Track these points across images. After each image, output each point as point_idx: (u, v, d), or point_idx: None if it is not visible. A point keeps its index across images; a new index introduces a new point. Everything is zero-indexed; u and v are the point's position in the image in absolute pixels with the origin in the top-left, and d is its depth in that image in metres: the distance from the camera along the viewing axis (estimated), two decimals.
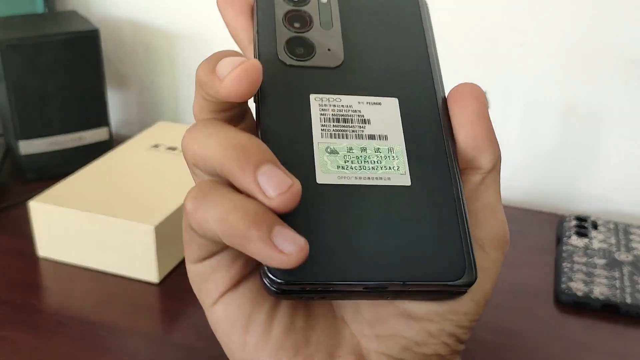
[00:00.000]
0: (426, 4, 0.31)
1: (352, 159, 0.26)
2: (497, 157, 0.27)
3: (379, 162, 0.26)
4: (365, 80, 0.28)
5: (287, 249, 0.22)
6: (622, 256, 0.70)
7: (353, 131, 0.27)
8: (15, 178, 0.86)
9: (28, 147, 0.84)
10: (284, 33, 0.28)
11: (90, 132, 0.88)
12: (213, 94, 0.25)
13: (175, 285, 0.67)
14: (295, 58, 0.28)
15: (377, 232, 0.25)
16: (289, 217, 0.23)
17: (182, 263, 0.70)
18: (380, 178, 0.26)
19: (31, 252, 0.70)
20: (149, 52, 1.00)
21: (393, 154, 0.26)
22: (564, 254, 0.70)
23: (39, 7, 0.96)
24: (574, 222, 0.76)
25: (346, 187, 0.25)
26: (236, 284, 0.27)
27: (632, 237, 0.74)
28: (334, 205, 0.25)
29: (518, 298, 0.66)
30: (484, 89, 0.27)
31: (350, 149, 0.26)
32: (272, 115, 0.26)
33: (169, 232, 0.66)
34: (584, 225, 0.76)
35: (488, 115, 0.27)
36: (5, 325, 0.60)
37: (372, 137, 0.27)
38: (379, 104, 0.27)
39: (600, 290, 0.65)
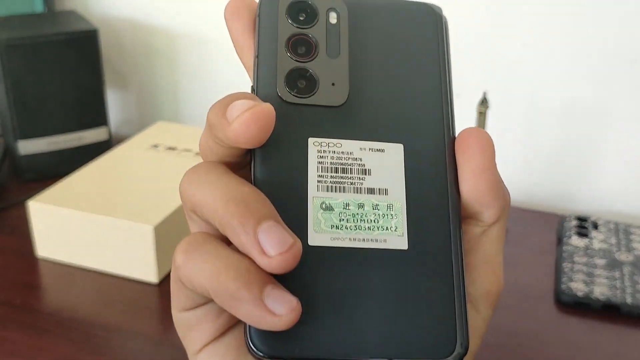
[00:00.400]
0: (446, 22, 0.28)
1: (348, 217, 0.24)
2: (500, 211, 0.26)
3: (376, 221, 0.24)
4: (369, 122, 0.26)
5: (278, 310, 0.22)
6: (623, 256, 0.70)
7: (351, 184, 0.25)
8: (14, 178, 0.86)
9: (27, 147, 0.84)
10: (286, 62, 0.26)
11: (90, 132, 0.87)
12: (222, 137, 0.24)
13: None
14: (295, 95, 0.26)
15: (366, 304, 0.23)
16: (277, 279, 0.23)
17: None
18: (376, 240, 0.24)
19: (30, 252, 0.70)
20: (149, 52, 1.00)
21: (392, 212, 0.25)
22: (564, 254, 0.70)
23: (38, 7, 0.95)
24: (574, 222, 0.76)
25: (338, 250, 0.24)
26: (222, 334, 0.26)
27: (632, 237, 0.74)
28: (323, 271, 0.23)
29: (518, 298, 0.66)
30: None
31: (347, 205, 0.24)
32: (266, 162, 0.25)
33: (168, 232, 0.66)
34: (584, 226, 0.75)
35: (494, 168, 0.25)
36: (4, 325, 0.60)
37: (371, 191, 0.25)
38: (382, 150, 0.26)
39: (600, 291, 0.64)
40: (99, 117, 0.88)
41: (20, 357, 0.57)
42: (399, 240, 0.24)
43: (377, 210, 0.25)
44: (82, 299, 0.65)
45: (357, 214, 0.24)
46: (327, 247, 0.24)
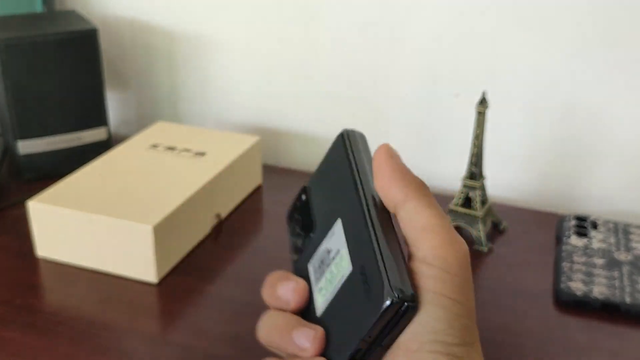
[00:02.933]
0: (351, 136, 0.37)
1: (327, 285, 0.34)
2: (407, 191, 0.32)
3: (337, 272, 0.33)
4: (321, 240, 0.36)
5: None
6: (622, 256, 0.70)
7: (327, 265, 0.34)
8: (14, 178, 0.86)
9: (27, 147, 0.84)
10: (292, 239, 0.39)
11: (89, 132, 0.87)
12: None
13: (173, 285, 0.67)
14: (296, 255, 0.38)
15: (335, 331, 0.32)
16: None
17: (180, 263, 0.70)
18: (340, 281, 0.33)
19: (30, 252, 0.70)
20: (148, 52, 1.00)
21: (340, 255, 0.33)
22: (563, 254, 0.70)
23: (38, 7, 0.95)
24: (573, 222, 0.76)
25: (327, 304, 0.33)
26: None
27: (631, 236, 0.74)
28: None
29: (518, 297, 0.66)
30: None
31: (328, 279, 0.34)
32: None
33: (167, 232, 0.66)
34: (583, 225, 0.76)
35: (392, 163, 0.33)
36: (4, 325, 0.60)
37: (333, 258, 0.34)
38: (333, 233, 0.35)
39: (599, 290, 0.65)
40: (98, 117, 0.88)
41: (20, 357, 0.57)
42: (347, 268, 0.32)
43: (338, 265, 0.33)
44: (82, 298, 0.65)
45: (330, 279, 0.34)
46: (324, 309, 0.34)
